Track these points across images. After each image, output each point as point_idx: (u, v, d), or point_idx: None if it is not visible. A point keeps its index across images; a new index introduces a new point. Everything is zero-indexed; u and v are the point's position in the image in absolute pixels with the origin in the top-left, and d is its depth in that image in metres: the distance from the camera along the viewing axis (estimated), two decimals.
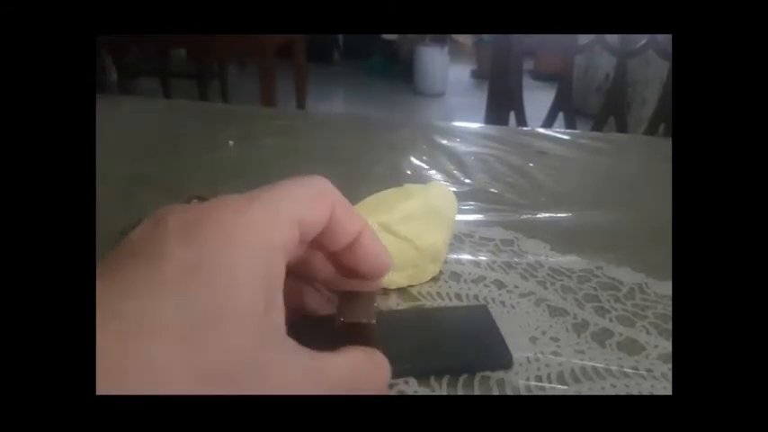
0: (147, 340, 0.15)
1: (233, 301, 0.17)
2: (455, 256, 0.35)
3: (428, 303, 0.31)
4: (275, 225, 0.18)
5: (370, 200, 0.33)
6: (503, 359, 0.26)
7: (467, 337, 0.27)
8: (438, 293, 0.32)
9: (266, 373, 0.17)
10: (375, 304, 0.23)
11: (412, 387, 0.25)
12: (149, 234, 0.17)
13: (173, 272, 0.16)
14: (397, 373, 0.25)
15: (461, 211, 0.41)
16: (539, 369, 0.26)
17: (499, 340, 0.27)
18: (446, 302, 0.31)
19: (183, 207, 0.18)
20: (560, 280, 0.33)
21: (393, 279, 0.31)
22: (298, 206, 0.19)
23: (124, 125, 0.60)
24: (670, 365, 0.26)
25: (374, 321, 0.22)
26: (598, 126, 1.01)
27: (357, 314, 0.22)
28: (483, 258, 0.35)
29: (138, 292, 0.16)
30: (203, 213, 0.18)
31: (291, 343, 0.18)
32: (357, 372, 0.21)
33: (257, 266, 0.17)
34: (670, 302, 0.31)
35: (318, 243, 0.22)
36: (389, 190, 0.34)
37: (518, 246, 0.37)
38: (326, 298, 0.25)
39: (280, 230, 0.18)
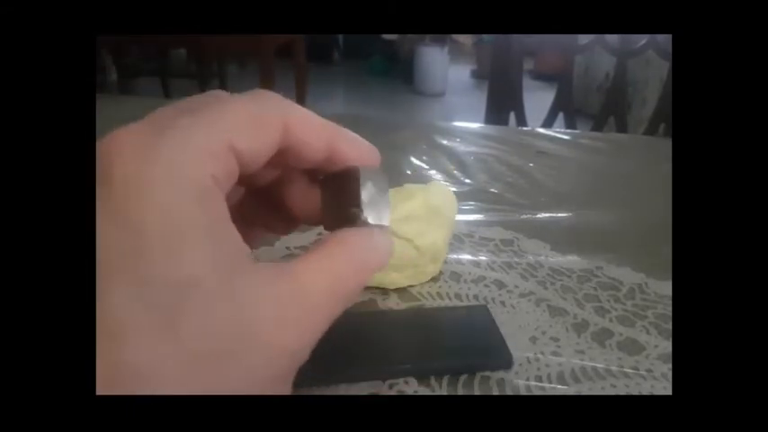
0: None
1: (160, 219, 0.15)
2: (455, 256, 0.35)
3: (428, 303, 0.31)
4: (193, 157, 0.16)
5: None
6: (503, 359, 0.26)
7: (467, 337, 0.27)
8: (438, 293, 0.32)
9: (235, 300, 0.15)
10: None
11: (412, 387, 0.25)
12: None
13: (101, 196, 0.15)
14: (397, 373, 0.25)
15: (461, 211, 0.41)
16: (539, 369, 0.26)
17: (499, 340, 0.27)
18: (446, 302, 0.31)
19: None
20: (560, 280, 0.33)
21: (393, 279, 0.31)
22: (227, 134, 0.17)
23: (124, 125, 0.60)
24: (670, 365, 0.26)
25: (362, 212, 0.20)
26: (598, 126, 1.01)
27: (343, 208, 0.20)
28: (483, 258, 0.35)
29: None
30: (108, 151, 0.16)
31: (260, 265, 0.17)
32: (340, 275, 0.18)
33: (172, 208, 0.15)
34: (670, 302, 0.31)
35: (288, 167, 0.20)
36: (390, 190, 0.34)
37: (518, 246, 0.37)
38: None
39: (200, 163, 0.16)
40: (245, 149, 0.17)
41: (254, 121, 0.18)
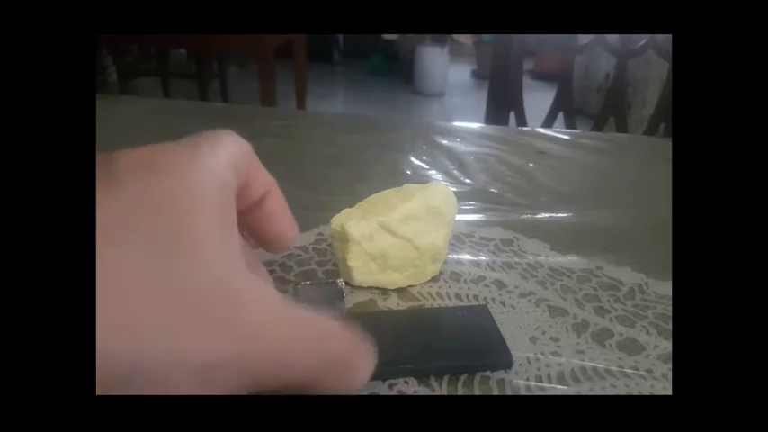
0: (117, 253, 0.15)
1: (195, 233, 0.16)
2: (455, 256, 0.35)
3: (428, 303, 0.31)
4: (222, 167, 0.19)
5: (371, 200, 0.33)
6: (503, 359, 0.26)
7: (467, 337, 0.27)
8: (438, 293, 0.32)
9: (241, 299, 0.17)
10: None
11: (412, 387, 0.25)
12: (102, 170, 0.17)
13: (134, 202, 0.16)
14: (397, 373, 0.25)
15: (461, 211, 0.41)
16: (539, 369, 0.26)
17: (499, 340, 0.27)
18: (446, 302, 0.31)
19: (125, 151, 0.18)
20: (560, 280, 0.33)
21: (393, 279, 0.31)
22: (231, 151, 0.20)
23: (124, 125, 0.60)
24: (670, 365, 0.26)
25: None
26: (598, 126, 1.01)
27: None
28: (483, 258, 0.35)
29: (101, 213, 0.15)
30: (154, 151, 0.18)
31: (255, 276, 0.18)
32: (333, 329, 0.20)
33: (218, 195, 0.18)
34: (670, 302, 0.31)
35: None
36: (389, 190, 0.34)
37: (518, 246, 0.37)
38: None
39: (226, 173, 0.19)
40: (241, 170, 0.20)
41: (240, 149, 0.21)
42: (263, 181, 0.22)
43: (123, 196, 0.16)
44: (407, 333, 0.28)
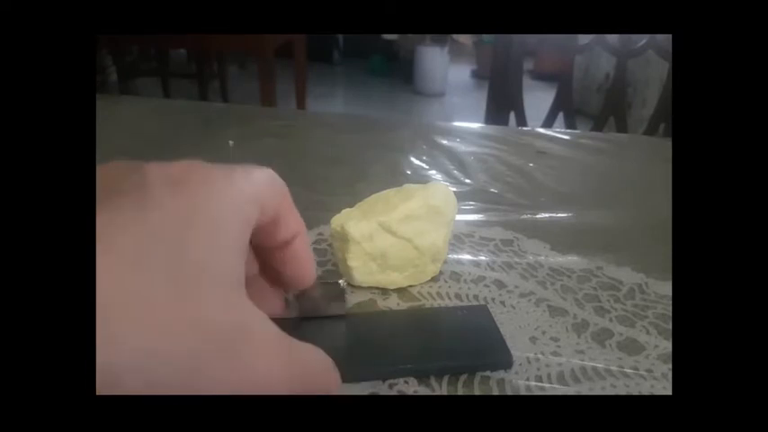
0: (140, 278, 0.15)
1: (221, 257, 0.17)
2: (455, 256, 0.35)
3: (428, 303, 0.31)
4: (247, 198, 0.19)
5: (371, 200, 0.33)
6: (503, 359, 0.26)
7: (467, 337, 0.27)
8: (438, 293, 0.32)
9: (248, 336, 0.17)
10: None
11: (412, 387, 0.25)
12: (131, 180, 0.17)
13: (163, 220, 0.16)
14: (397, 373, 0.25)
15: (461, 211, 0.41)
16: (539, 369, 0.26)
17: (499, 340, 0.27)
18: (446, 302, 0.31)
19: (156, 164, 0.18)
20: (560, 280, 0.33)
21: (393, 279, 0.31)
22: (259, 188, 0.20)
23: (124, 125, 0.60)
24: (670, 365, 0.26)
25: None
26: (598, 126, 1.01)
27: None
28: (483, 258, 0.35)
29: (130, 230, 0.15)
30: (187, 169, 0.18)
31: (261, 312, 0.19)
32: (319, 364, 0.20)
33: (240, 226, 0.18)
34: (670, 302, 0.31)
35: (256, 234, 0.22)
36: (390, 190, 0.34)
37: (518, 246, 0.37)
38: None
39: (250, 206, 0.19)
40: (266, 206, 0.20)
41: (271, 185, 0.21)
42: (294, 223, 0.22)
43: (152, 216, 0.16)
44: (407, 333, 0.28)
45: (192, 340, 0.16)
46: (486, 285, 0.32)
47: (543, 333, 0.28)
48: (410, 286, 0.32)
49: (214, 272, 0.16)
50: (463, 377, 0.25)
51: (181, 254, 0.16)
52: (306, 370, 0.20)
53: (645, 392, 0.25)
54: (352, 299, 0.31)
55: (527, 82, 1.07)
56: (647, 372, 0.26)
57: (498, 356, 0.26)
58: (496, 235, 0.38)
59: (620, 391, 0.25)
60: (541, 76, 3.35)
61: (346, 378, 0.24)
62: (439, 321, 0.29)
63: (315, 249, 0.35)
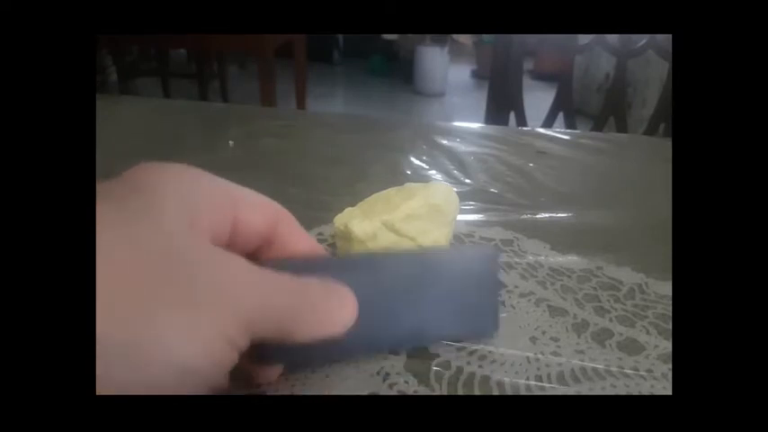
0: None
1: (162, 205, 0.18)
2: None
3: None
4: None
5: (371, 199, 0.33)
6: (486, 331, 0.26)
7: (460, 301, 0.26)
8: None
9: (198, 259, 0.17)
10: None
11: (412, 387, 0.25)
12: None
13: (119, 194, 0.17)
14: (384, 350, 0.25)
15: (461, 211, 0.41)
16: (539, 369, 0.26)
17: (491, 306, 0.26)
18: None
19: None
20: (560, 280, 0.33)
21: None
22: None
23: (124, 125, 0.60)
24: (670, 365, 0.26)
25: None
26: (598, 126, 1.01)
27: None
28: None
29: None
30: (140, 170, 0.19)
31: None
32: (316, 288, 0.20)
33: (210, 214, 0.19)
34: (670, 302, 0.31)
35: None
36: (390, 189, 0.34)
37: (518, 246, 0.37)
38: None
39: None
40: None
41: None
42: (265, 212, 0.22)
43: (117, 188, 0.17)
44: (402, 295, 0.25)
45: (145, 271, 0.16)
46: None
47: (543, 333, 0.28)
48: None
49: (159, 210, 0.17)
50: (463, 377, 0.25)
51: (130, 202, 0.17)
52: (288, 285, 0.19)
53: (645, 392, 0.25)
54: None
55: (527, 82, 1.07)
56: (647, 372, 0.26)
57: (482, 327, 0.26)
58: (496, 235, 0.38)
59: (620, 391, 0.25)
60: (541, 76, 3.35)
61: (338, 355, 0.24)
62: (440, 272, 0.26)
63: None
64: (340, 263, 0.25)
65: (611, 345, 0.28)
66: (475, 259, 0.26)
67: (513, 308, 0.30)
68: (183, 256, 0.17)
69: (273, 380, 0.24)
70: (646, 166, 0.55)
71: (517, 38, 0.99)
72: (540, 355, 0.27)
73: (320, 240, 0.36)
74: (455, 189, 0.40)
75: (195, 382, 0.17)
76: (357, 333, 0.22)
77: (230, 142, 0.54)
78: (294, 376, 0.24)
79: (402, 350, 0.26)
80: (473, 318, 0.26)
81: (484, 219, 0.41)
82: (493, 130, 0.64)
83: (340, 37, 4.09)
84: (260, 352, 0.20)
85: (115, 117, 0.61)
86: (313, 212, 0.38)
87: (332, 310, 0.21)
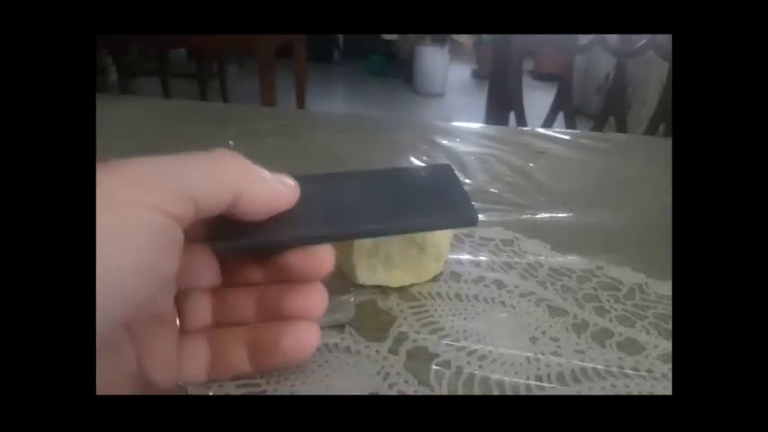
0: None
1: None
2: (455, 256, 0.35)
3: (428, 303, 0.31)
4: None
5: None
6: (467, 216, 0.26)
7: (431, 195, 0.26)
8: (438, 293, 0.32)
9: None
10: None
11: (412, 387, 0.25)
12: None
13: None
14: (360, 234, 0.25)
15: None
16: (539, 369, 0.26)
17: (464, 197, 0.26)
18: (446, 302, 0.31)
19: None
20: (560, 280, 0.33)
21: (397, 276, 0.31)
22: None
23: (124, 125, 0.60)
24: (670, 365, 0.26)
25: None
26: (598, 126, 1.01)
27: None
28: (483, 258, 0.35)
29: None
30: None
31: None
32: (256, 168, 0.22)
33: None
34: (670, 302, 0.31)
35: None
36: None
37: (518, 246, 0.37)
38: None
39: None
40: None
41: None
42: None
43: None
44: (370, 194, 0.26)
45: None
46: (486, 285, 0.32)
47: (543, 333, 0.28)
48: (410, 286, 0.32)
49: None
50: (463, 377, 0.25)
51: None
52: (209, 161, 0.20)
53: (645, 392, 0.25)
54: (353, 299, 0.31)
55: (527, 82, 1.07)
56: (647, 372, 0.26)
57: (463, 214, 0.26)
58: (496, 235, 0.38)
59: (620, 391, 0.25)
60: (541, 76, 3.35)
61: (306, 238, 0.23)
62: (402, 181, 0.28)
63: None
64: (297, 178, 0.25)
65: (611, 345, 0.28)
66: (433, 169, 0.28)
67: (513, 308, 0.30)
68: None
69: (201, 381, 0.23)
70: (646, 166, 0.55)
71: (517, 38, 0.98)
72: (540, 355, 0.27)
73: None
74: None
75: (125, 251, 0.17)
76: (314, 215, 0.23)
77: (230, 142, 0.54)
78: (294, 376, 0.24)
79: (379, 233, 0.26)
80: (451, 208, 0.26)
81: (484, 219, 0.41)
82: (493, 130, 0.64)
83: (340, 37, 4.08)
84: (217, 232, 0.22)
85: (115, 117, 0.61)
86: None
87: (274, 185, 0.22)
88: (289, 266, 0.23)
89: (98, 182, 0.17)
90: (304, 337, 0.23)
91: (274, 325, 0.23)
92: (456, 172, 0.28)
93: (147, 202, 0.18)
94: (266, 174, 0.22)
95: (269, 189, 0.22)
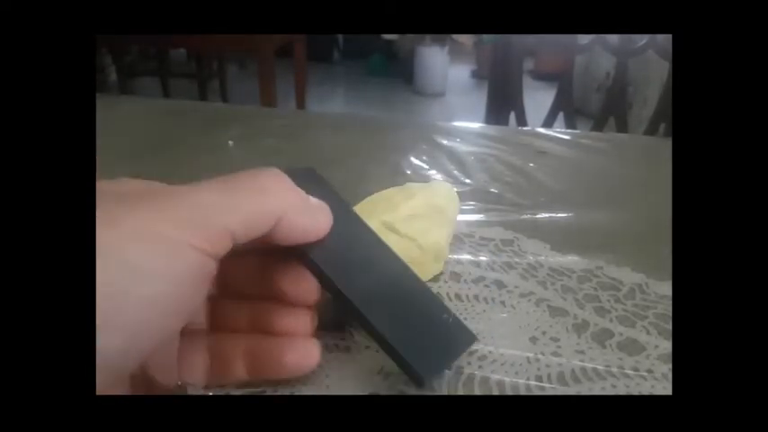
0: None
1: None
2: (455, 256, 0.35)
3: None
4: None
5: (373, 198, 0.33)
6: (416, 376, 0.23)
7: (419, 330, 0.24)
8: (438, 293, 0.32)
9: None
10: None
11: (412, 387, 0.24)
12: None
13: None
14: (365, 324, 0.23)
15: (461, 211, 0.41)
16: (539, 369, 0.26)
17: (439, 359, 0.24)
18: (446, 302, 0.31)
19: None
20: (560, 280, 0.33)
21: None
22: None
23: (124, 125, 0.60)
24: (670, 365, 0.26)
25: None
26: (598, 126, 1.01)
27: None
28: (483, 258, 0.35)
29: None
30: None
31: None
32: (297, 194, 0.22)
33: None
34: (670, 302, 0.31)
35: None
36: (392, 189, 0.34)
37: (518, 246, 0.37)
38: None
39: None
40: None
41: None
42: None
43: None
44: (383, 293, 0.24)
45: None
46: (486, 285, 0.32)
47: (543, 333, 0.28)
48: None
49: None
50: (463, 377, 0.25)
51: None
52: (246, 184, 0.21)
53: (645, 393, 0.25)
54: None
55: (527, 82, 1.07)
56: (648, 372, 0.26)
57: (414, 371, 0.23)
58: (496, 235, 0.38)
59: (621, 391, 0.25)
60: (541, 76, 3.35)
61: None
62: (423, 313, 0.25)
63: None
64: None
65: (611, 345, 0.28)
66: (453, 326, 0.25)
67: (513, 308, 0.30)
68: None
69: (199, 385, 0.23)
70: (646, 166, 0.55)
71: (517, 38, 0.99)
72: (540, 356, 0.27)
73: None
74: (455, 189, 0.40)
75: (156, 286, 0.17)
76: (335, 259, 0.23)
77: (230, 142, 0.54)
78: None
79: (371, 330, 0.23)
80: (423, 354, 0.23)
81: (484, 219, 0.41)
82: (493, 130, 0.64)
83: (340, 37, 4.09)
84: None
85: (115, 117, 0.61)
86: None
87: (313, 214, 0.22)
88: (282, 290, 0.23)
89: (138, 213, 0.17)
90: (306, 354, 0.23)
91: (274, 339, 0.23)
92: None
93: (187, 242, 0.18)
94: (310, 200, 0.22)
95: (307, 218, 0.22)
